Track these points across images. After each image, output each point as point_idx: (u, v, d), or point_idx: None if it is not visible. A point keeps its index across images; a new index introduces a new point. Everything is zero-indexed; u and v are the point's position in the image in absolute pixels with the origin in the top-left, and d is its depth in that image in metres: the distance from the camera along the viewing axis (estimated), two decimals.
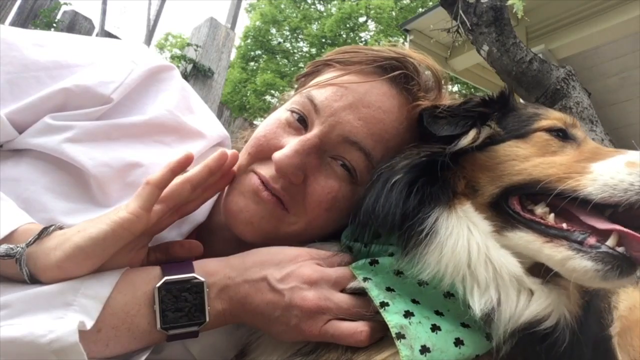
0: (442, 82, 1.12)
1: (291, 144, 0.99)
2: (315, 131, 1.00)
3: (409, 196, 0.88)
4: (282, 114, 1.07)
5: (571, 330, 0.83)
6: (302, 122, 1.04)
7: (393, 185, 0.90)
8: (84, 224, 0.82)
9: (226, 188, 1.06)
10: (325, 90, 1.03)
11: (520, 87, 2.68)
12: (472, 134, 0.96)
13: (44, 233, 0.79)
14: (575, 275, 0.79)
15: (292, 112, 1.05)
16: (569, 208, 0.84)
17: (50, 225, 0.81)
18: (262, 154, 1.03)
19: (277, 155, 0.97)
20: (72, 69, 1.00)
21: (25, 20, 5.45)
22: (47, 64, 0.99)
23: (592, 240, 0.80)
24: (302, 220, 1.01)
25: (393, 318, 0.82)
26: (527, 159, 0.91)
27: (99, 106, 0.99)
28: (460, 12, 2.83)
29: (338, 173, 1.00)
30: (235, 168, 1.05)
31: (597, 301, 0.98)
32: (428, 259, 0.84)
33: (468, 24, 2.82)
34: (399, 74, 1.04)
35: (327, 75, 1.07)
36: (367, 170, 1.00)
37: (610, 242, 0.79)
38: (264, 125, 1.07)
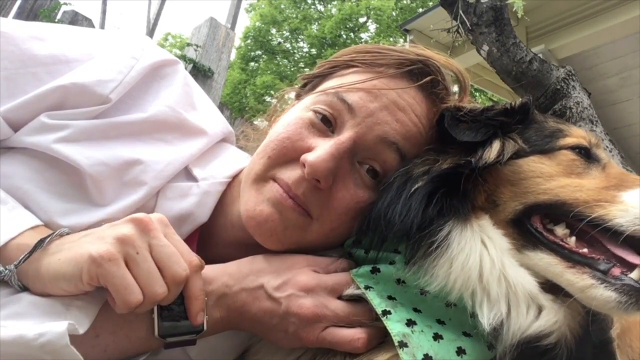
0: (466, 84, 1.10)
1: (325, 146, 0.93)
2: (349, 133, 0.95)
3: (428, 206, 0.86)
4: (303, 113, 1.01)
5: (569, 349, 0.83)
6: (326, 123, 0.99)
7: (413, 193, 0.88)
8: (75, 242, 0.79)
9: (243, 191, 1.01)
10: (356, 93, 0.99)
11: (520, 87, 2.68)
12: (496, 146, 0.93)
13: (37, 248, 0.78)
14: (595, 304, 0.79)
15: (317, 112, 0.99)
16: (587, 230, 0.83)
17: (46, 237, 0.80)
18: (286, 157, 0.97)
19: (311, 158, 0.91)
20: (71, 65, 0.97)
21: (25, 20, 5.46)
22: (45, 59, 0.95)
23: (616, 272, 0.79)
24: (326, 227, 0.96)
25: (395, 327, 0.82)
26: (552, 178, 0.89)
27: (97, 106, 0.96)
28: (460, 12, 2.83)
29: (365, 180, 0.97)
30: (252, 174, 1.00)
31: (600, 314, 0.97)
32: (436, 271, 0.84)
33: (468, 24, 2.81)
34: (428, 80, 1.02)
35: (352, 77, 1.02)
36: None
37: (635, 274, 0.78)
38: (284, 126, 1.01)
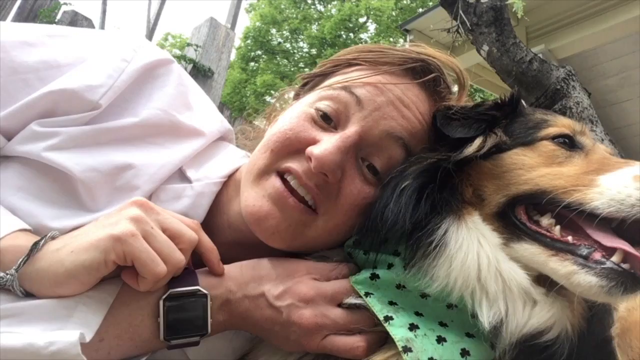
0: (465, 83, 1.10)
1: (331, 139, 0.93)
2: (355, 127, 0.95)
3: (419, 202, 0.86)
4: (306, 109, 1.01)
5: (571, 343, 0.82)
6: (327, 120, 0.98)
7: (402, 190, 0.89)
8: (80, 235, 0.80)
9: (243, 187, 1.00)
10: (362, 87, 0.98)
11: (520, 87, 2.68)
12: (477, 142, 0.94)
13: (34, 250, 0.78)
14: (579, 290, 0.79)
15: (318, 110, 0.99)
16: (575, 220, 0.83)
17: (41, 239, 0.79)
18: (290, 148, 0.96)
19: (317, 150, 0.91)
20: (62, 69, 0.95)
21: (25, 20, 5.46)
22: (36, 64, 0.93)
23: (597, 256, 0.79)
24: (330, 224, 0.96)
25: (398, 332, 0.82)
26: (533, 168, 0.90)
27: (87, 112, 0.94)
28: (460, 12, 2.83)
29: (368, 177, 0.97)
30: (254, 169, 0.99)
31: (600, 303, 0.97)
32: (436, 271, 0.84)
33: (468, 24, 2.82)
34: (431, 77, 1.02)
35: (355, 74, 1.01)
36: None
37: (616, 258, 0.78)
38: (287, 120, 1.00)
